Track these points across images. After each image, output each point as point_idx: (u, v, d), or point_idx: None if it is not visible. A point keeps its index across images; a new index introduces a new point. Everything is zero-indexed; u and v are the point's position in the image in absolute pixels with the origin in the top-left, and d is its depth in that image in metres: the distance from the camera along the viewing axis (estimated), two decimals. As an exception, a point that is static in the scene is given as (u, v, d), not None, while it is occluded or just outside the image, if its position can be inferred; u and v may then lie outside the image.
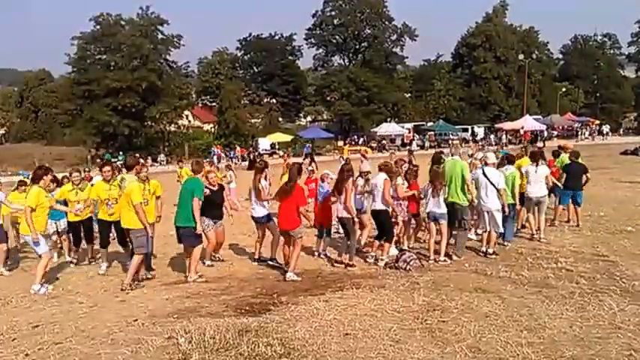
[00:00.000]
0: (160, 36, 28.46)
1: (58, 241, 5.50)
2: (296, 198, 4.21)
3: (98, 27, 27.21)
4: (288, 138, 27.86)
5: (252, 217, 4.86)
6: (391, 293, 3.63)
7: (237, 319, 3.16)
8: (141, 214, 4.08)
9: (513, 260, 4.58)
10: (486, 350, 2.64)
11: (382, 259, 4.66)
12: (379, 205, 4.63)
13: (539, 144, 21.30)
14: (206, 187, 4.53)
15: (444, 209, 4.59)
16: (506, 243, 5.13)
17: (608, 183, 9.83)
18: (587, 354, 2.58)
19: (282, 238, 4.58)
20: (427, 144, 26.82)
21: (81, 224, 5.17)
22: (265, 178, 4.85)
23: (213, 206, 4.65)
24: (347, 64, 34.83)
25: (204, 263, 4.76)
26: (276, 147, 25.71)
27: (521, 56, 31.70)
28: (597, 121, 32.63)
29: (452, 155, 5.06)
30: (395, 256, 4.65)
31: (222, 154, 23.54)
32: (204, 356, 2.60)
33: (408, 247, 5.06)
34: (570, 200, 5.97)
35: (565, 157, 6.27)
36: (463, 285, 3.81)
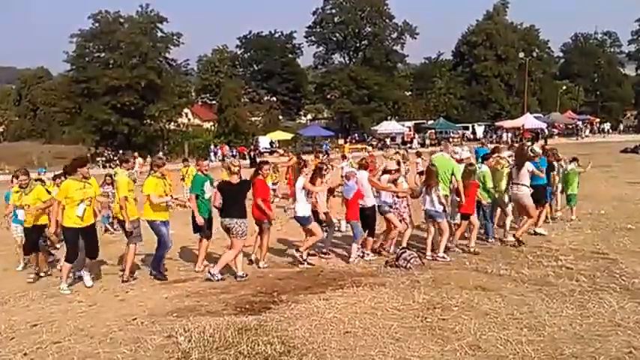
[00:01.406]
0: (159, 34, 28.35)
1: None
2: (257, 192, 4.50)
3: (97, 25, 27.08)
4: (288, 136, 27.82)
5: (295, 217, 4.73)
6: (391, 291, 3.63)
7: (237, 318, 3.15)
8: (124, 208, 4.20)
9: (513, 258, 4.58)
10: (486, 348, 2.64)
11: (367, 254, 4.74)
12: (364, 202, 4.73)
13: (540, 142, 21.27)
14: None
15: (438, 207, 4.65)
16: (490, 240, 5.20)
17: (609, 181, 9.81)
18: (587, 351, 2.57)
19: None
20: (428, 142, 26.78)
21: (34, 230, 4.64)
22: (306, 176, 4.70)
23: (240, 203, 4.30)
24: (347, 62, 34.75)
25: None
26: (276, 145, 25.69)
27: (521, 54, 31.61)
28: (597, 119, 32.64)
29: (441, 152, 5.29)
30: (395, 254, 4.66)
31: (228, 154, 23.25)
32: (204, 355, 2.59)
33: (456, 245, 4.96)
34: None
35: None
36: (463, 283, 3.80)
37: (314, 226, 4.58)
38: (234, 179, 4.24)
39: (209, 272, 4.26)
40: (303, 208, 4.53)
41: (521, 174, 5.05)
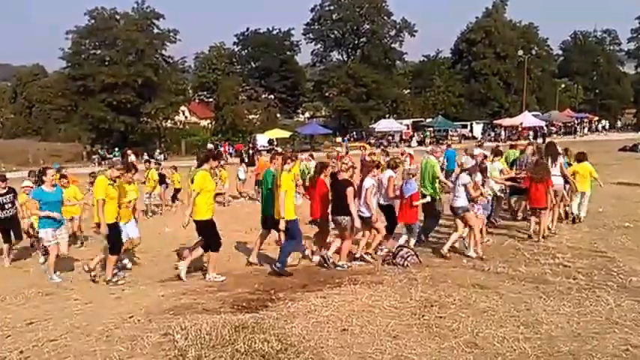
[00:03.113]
0: (155, 30, 28.13)
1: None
2: (318, 190, 4.56)
3: (93, 21, 26.83)
4: (286, 134, 27.73)
5: (361, 218, 4.64)
6: (389, 289, 3.62)
7: (234, 316, 3.13)
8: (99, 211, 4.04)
9: (511, 256, 4.58)
10: (484, 345, 2.64)
11: (382, 248, 4.82)
12: (384, 201, 4.83)
13: (539, 140, 21.37)
14: None
15: (484, 202, 4.89)
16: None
17: (607, 179, 9.84)
18: (584, 349, 2.58)
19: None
20: (428, 140, 26.71)
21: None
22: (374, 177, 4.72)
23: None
24: (345, 59, 34.66)
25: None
26: (275, 143, 25.63)
27: (520, 52, 31.58)
28: (596, 118, 32.74)
29: (427, 154, 5.73)
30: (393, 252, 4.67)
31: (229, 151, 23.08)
32: (201, 352, 2.58)
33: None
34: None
35: (511, 153, 6.92)
36: (461, 281, 3.81)
37: (380, 225, 4.66)
38: (342, 176, 4.34)
39: (334, 263, 4.29)
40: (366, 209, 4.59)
41: (555, 168, 5.37)
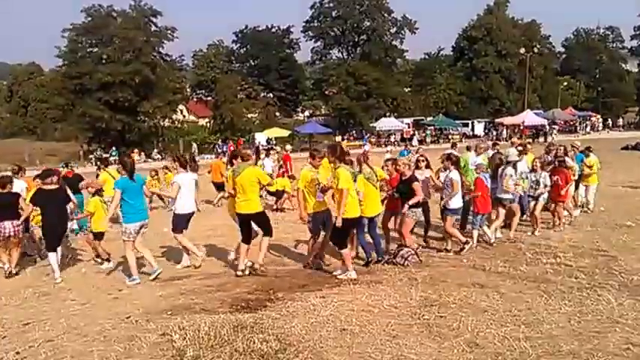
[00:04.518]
0: (153, 28, 27.90)
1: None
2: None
3: (90, 19, 26.62)
4: (285, 133, 27.60)
5: (446, 208, 4.80)
6: (388, 289, 3.60)
7: (233, 316, 3.11)
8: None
9: (512, 255, 4.56)
10: (484, 345, 2.62)
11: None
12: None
13: (541, 139, 21.22)
14: None
15: (544, 189, 5.31)
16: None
17: (609, 178, 9.81)
18: (584, 348, 2.56)
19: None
20: (429, 139, 26.53)
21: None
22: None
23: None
24: (345, 57, 34.42)
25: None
26: (273, 142, 25.55)
27: (522, 50, 31.36)
28: (598, 116, 32.60)
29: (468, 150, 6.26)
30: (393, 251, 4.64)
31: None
32: (199, 352, 2.56)
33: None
34: None
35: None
36: (461, 280, 3.79)
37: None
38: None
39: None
40: (459, 200, 4.79)
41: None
